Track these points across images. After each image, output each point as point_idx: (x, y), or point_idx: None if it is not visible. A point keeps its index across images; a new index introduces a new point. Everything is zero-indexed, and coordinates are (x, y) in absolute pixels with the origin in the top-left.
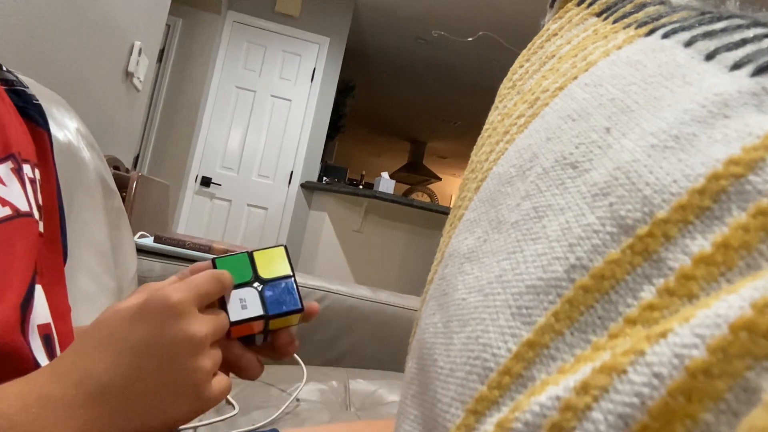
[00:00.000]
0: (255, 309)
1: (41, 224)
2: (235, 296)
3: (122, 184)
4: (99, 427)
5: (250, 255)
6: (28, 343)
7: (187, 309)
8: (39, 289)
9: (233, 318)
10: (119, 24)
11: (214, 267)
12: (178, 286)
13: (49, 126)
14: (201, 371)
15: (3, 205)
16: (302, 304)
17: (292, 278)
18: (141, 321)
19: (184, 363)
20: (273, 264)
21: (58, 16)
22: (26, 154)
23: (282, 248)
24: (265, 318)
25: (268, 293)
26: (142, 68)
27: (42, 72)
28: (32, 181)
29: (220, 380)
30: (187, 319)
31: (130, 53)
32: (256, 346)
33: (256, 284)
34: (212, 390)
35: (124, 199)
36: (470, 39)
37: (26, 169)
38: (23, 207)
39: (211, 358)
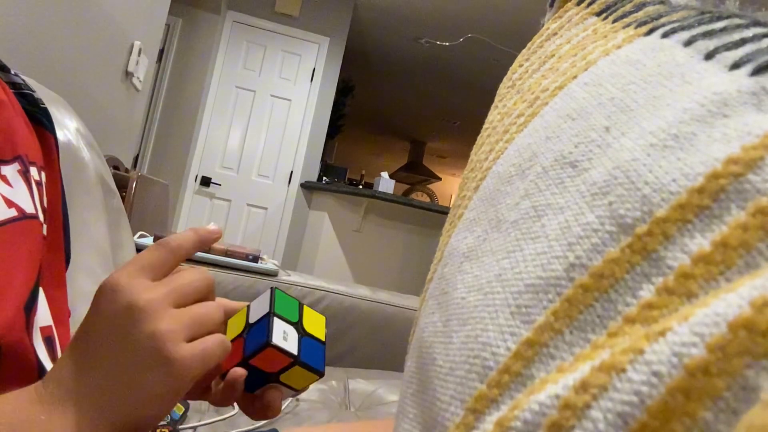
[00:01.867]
0: (293, 347)
1: (45, 227)
2: (280, 325)
3: (122, 184)
4: (82, 422)
5: (301, 305)
6: (32, 345)
7: (124, 281)
8: (41, 292)
9: (275, 341)
10: (119, 24)
11: (272, 294)
12: (121, 267)
13: (55, 131)
14: (156, 336)
15: (9, 207)
16: (324, 371)
17: (324, 347)
18: (90, 312)
19: (133, 331)
20: (314, 324)
21: (58, 15)
22: (33, 156)
23: (324, 318)
24: (294, 361)
25: (305, 343)
26: (142, 68)
27: (42, 72)
28: (38, 184)
29: (203, 340)
30: (127, 290)
31: (130, 53)
32: (243, 393)
33: (297, 329)
34: (183, 349)
35: (123, 198)
36: (446, 44)
37: (33, 171)
38: (29, 209)
39: (173, 319)
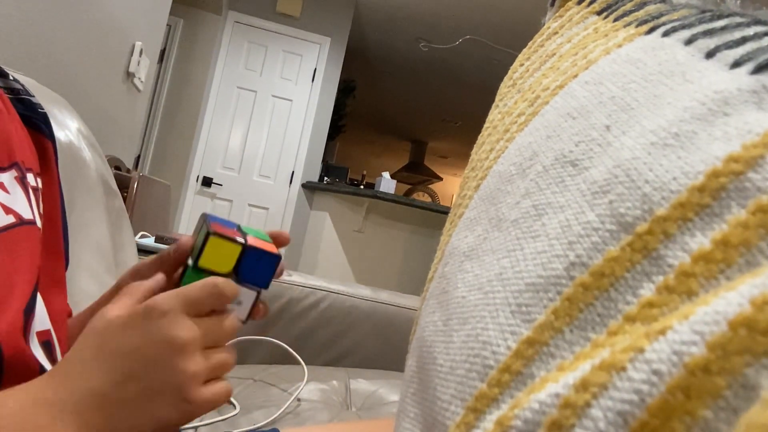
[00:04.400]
0: (248, 299)
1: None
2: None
3: (123, 185)
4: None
5: (202, 247)
6: (30, 349)
7: (171, 314)
8: (38, 297)
9: (243, 318)
10: (120, 24)
11: (183, 271)
12: (167, 294)
13: (54, 135)
14: (184, 374)
15: (7, 213)
16: (276, 254)
17: (245, 244)
18: (128, 328)
19: (166, 365)
20: (220, 253)
21: (59, 16)
22: (29, 163)
23: (211, 236)
24: (259, 291)
25: (243, 273)
26: (143, 69)
27: (43, 72)
28: (35, 190)
29: (216, 386)
30: (170, 323)
31: (131, 54)
32: None
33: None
34: (201, 393)
35: (125, 199)
36: (445, 47)
37: (29, 177)
38: (27, 215)
39: (201, 362)
